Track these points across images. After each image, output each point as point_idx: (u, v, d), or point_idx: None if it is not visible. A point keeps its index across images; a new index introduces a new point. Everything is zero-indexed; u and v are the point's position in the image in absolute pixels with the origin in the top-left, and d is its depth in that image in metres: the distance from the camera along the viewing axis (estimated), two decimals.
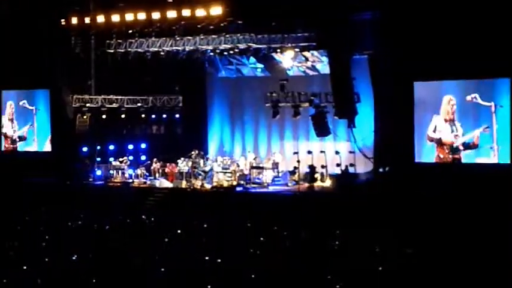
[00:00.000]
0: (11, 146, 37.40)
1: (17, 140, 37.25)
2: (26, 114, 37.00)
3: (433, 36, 27.62)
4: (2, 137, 37.62)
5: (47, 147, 36.20)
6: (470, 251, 19.66)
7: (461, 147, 28.43)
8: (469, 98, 28.17)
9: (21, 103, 37.04)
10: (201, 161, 33.68)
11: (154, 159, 34.50)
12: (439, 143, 28.80)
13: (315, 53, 32.11)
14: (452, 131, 28.55)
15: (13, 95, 37.46)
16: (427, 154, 29.05)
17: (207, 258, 19.11)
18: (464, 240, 21.13)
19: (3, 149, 37.64)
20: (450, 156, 28.66)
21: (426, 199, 26.39)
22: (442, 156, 28.83)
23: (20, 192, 32.07)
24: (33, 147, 36.80)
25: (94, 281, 17.19)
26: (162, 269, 17.98)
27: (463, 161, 28.47)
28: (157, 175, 33.99)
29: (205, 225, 24.78)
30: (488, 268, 17.73)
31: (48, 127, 36.12)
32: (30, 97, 36.95)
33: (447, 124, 28.67)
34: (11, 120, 37.33)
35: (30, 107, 36.73)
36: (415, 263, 18.69)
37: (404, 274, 17.70)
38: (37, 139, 36.63)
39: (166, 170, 33.98)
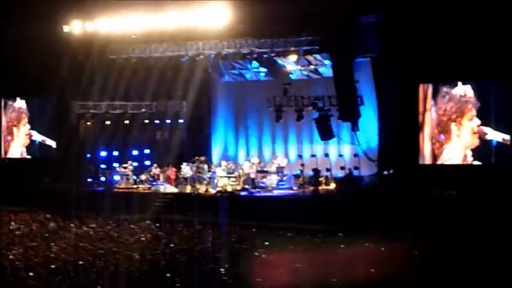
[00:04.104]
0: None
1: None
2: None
3: (436, 38, 27.65)
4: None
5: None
6: (478, 252, 19.64)
7: None
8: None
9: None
10: (205, 166, 33.71)
11: (154, 165, 34.59)
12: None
13: (318, 56, 32.18)
14: None
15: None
16: None
17: (211, 262, 19.17)
18: (471, 241, 21.08)
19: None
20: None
21: (432, 200, 26.37)
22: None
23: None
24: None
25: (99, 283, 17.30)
26: (168, 274, 18.05)
27: None
28: (161, 180, 34.02)
29: (210, 230, 24.82)
30: (495, 269, 17.74)
31: None
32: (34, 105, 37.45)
33: None
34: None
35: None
36: (423, 264, 18.70)
37: (412, 275, 17.72)
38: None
39: (168, 173, 34.07)
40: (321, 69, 33.03)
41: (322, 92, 31.36)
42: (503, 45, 26.79)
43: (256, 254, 20.43)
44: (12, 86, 36.74)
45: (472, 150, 28.73)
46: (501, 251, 19.38)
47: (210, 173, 33.34)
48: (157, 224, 26.59)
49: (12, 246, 22.46)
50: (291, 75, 33.61)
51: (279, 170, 33.07)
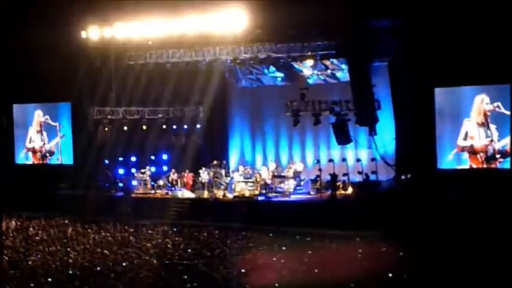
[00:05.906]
0: (41, 161, 37.98)
1: (47, 155, 37.75)
2: (50, 129, 37.50)
3: (453, 42, 27.56)
4: (29, 151, 38.25)
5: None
6: (493, 257, 19.55)
7: (497, 155, 28.21)
8: (491, 107, 28.03)
9: (43, 118, 37.55)
10: (223, 171, 33.72)
11: (172, 170, 34.67)
12: (471, 151, 28.72)
13: (335, 61, 32.07)
14: (488, 136, 28.41)
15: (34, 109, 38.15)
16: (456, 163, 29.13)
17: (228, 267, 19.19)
18: (486, 246, 20.98)
19: (30, 162, 38.21)
20: (485, 166, 28.45)
21: (449, 206, 26.25)
22: (475, 166, 28.69)
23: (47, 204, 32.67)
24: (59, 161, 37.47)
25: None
26: (185, 276, 18.08)
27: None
28: (178, 185, 34.08)
29: (227, 235, 24.83)
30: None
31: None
32: (52, 111, 37.54)
33: (480, 128, 28.49)
34: (40, 132, 37.85)
35: (54, 123, 37.22)
36: (437, 269, 18.65)
37: (428, 280, 17.68)
38: (61, 155, 37.20)
39: (185, 178, 34.17)
40: (338, 74, 32.96)
41: (339, 97, 31.24)
42: None
43: (274, 259, 20.47)
44: (29, 92, 36.86)
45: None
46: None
47: (228, 178, 33.36)
48: (174, 229, 26.65)
49: (31, 251, 22.59)
50: (308, 80, 33.56)
51: (296, 175, 33.02)
